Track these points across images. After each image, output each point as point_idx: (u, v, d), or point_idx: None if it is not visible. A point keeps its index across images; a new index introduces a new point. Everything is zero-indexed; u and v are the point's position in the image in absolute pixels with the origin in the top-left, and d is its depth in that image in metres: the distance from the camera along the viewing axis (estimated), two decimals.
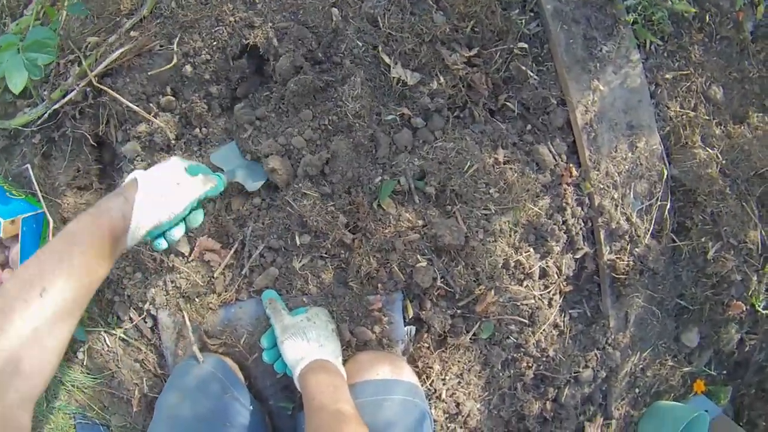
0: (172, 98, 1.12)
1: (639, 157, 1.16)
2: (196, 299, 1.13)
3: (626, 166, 1.15)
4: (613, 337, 1.17)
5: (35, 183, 1.08)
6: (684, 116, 1.18)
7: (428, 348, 1.14)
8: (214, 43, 1.07)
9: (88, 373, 1.25)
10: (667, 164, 1.17)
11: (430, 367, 1.14)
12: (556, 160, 1.13)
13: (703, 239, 1.15)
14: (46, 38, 0.94)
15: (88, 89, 1.05)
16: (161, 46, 1.06)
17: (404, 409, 0.92)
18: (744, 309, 1.14)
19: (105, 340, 1.23)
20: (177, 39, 1.05)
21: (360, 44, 1.05)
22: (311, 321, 0.99)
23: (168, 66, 1.05)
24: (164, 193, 0.83)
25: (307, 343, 0.94)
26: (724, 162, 1.17)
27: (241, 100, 1.13)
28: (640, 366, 1.20)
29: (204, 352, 1.10)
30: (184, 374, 1.02)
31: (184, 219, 0.89)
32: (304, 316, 1.00)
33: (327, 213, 1.03)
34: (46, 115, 1.06)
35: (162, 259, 1.14)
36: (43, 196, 1.14)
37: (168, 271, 1.15)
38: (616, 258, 1.14)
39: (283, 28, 1.05)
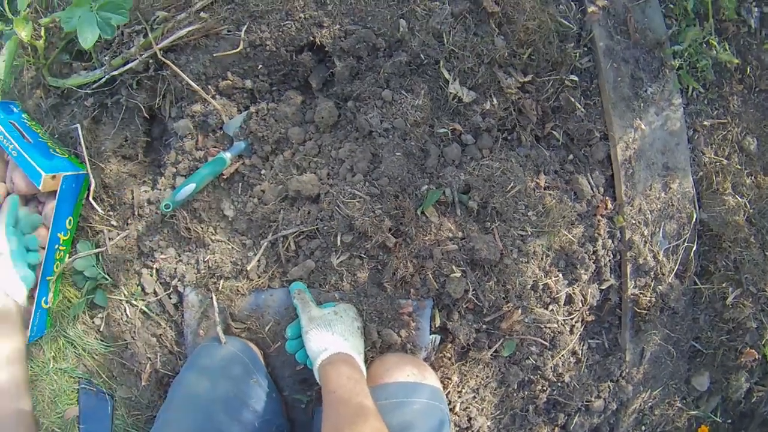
0: (231, 82, 1.09)
1: (671, 198, 1.14)
2: (228, 281, 1.08)
3: (658, 205, 1.13)
4: (627, 371, 1.14)
5: (82, 143, 1.05)
6: (717, 163, 1.17)
7: (449, 359, 1.10)
8: (281, 35, 1.04)
9: (102, 340, 1.19)
10: (697, 208, 1.16)
11: (449, 378, 1.10)
12: (593, 191, 1.12)
13: (723, 284, 1.13)
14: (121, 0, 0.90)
15: (150, 61, 1.02)
16: (228, 31, 1.04)
17: (427, 413, 0.89)
18: (756, 357, 1.11)
19: (125, 310, 1.18)
20: (245, 26, 1.03)
21: (423, 57, 1.03)
22: (338, 315, 0.95)
23: (233, 51, 1.03)
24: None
25: (331, 335, 0.91)
26: (751, 211, 1.16)
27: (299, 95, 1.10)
28: (649, 404, 1.17)
29: (227, 335, 1.06)
30: (207, 355, 0.98)
31: None
32: (332, 310, 0.97)
33: (374, 215, 0.99)
34: (102, 81, 1.03)
35: (198, 234, 1.10)
36: (87, 158, 1.09)
37: (203, 249, 1.11)
38: (640, 293, 1.12)
39: (351, 32, 1.03)
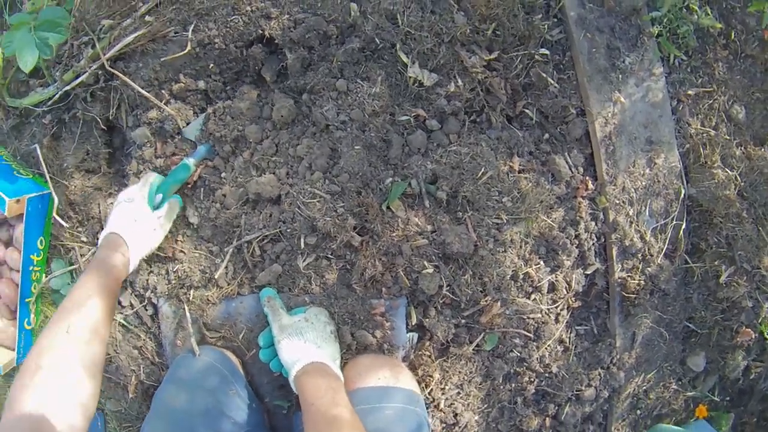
0: (183, 85, 1.04)
1: (657, 174, 1.07)
2: (197, 291, 1.05)
3: (643, 183, 1.06)
4: (618, 356, 1.09)
5: (43, 163, 1.02)
6: (705, 134, 1.09)
7: (429, 356, 1.06)
8: (229, 31, 0.99)
9: None
10: (685, 183, 1.09)
11: (430, 376, 1.06)
12: (572, 171, 1.05)
13: (716, 262, 1.06)
14: (58, 18, 0.87)
15: (100, 72, 0.99)
16: (176, 32, 0.99)
17: (403, 417, 0.85)
18: (753, 336, 1.05)
19: None
20: (192, 26, 0.98)
21: (377, 41, 0.97)
22: (309, 322, 0.92)
23: (182, 53, 0.98)
24: (148, 242, 0.96)
25: (304, 344, 0.88)
26: (742, 184, 1.08)
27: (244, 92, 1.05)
28: (644, 387, 1.12)
29: (204, 344, 1.03)
30: (183, 366, 0.96)
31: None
32: (302, 317, 0.93)
33: (336, 215, 0.95)
34: (57, 96, 1.00)
35: (166, 247, 1.07)
36: (50, 177, 1.07)
37: (171, 261, 1.08)
38: (628, 276, 1.06)
39: (301, 20, 0.97)
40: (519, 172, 1.04)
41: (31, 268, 1.05)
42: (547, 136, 1.08)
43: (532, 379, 1.07)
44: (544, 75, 1.03)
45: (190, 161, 1.04)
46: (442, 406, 1.08)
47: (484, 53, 1.00)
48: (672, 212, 1.08)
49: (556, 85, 1.05)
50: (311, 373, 0.83)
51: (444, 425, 1.08)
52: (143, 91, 0.99)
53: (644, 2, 1.06)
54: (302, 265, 1.00)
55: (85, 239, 1.13)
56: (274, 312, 0.94)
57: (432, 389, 1.07)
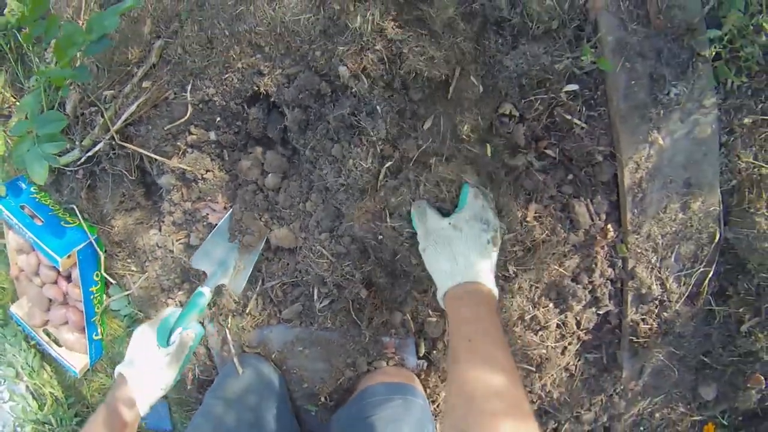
0: (196, 137, 1.04)
1: (690, 218, 0.97)
2: (234, 318, 1.18)
3: (673, 228, 0.97)
4: (622, 387, 1.11)
5: (81, 220, 1.10)
6: (756, 170, 0.94)
7: (437, 378, 1.15)
8: (226, 89, 0.95)
9: None
10: (722, 225, 0.98)
11: (437, 395, 1.16)
12: (592, 220, 0.98)
13: (741, 309, 1.00)
14: (54, 128, 0.87)
15: (113, 143, 1.00)
16: (175, 93, 0.96)
17: (410, 408, 0.97)
18: (764, 383, 1.02)
19: None
20: (189, 86, 0.94)
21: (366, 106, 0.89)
22: (458, 230, 0.76)
23: (183, 119, 0.96)
24: (155, 382, 0.92)
25: (451, 260, 0.75)
26: None
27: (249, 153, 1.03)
28: (648, 410, 1.15)
29: (245, 355, 1.17)
30: (228, 385, 1.10)
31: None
32: (452, 222, 0.78)
33: (343, 272, 0.98)
34: (82, 159, 1.04)
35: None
36: (94, 224, 1.17)
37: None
38: (641, 320, 1.03)
39: (293, 75, 0.91)
40: (535, 218, 0.99)
41: (91, 297, 1.21)
42: (570, 177, 0.99)
43: (533, 401, 1.14)
44: (569, 117, 0.91)
45: (206, 289, 1.03)
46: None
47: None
48: (702, 257, 0.99)
49: (584, 125, 0.93)
50: (458, 298, 0.73)
51: None
52: (155, 156, 1.01)
53: (702, 17, 0.85)
54: (318, 307, 1.08)
55: (134, 268, 1.26)
56: (420, 214, 0.82)
57: (438, 404, 1.18)
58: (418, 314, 1.03)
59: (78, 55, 0.94)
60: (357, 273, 1.00)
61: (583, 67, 0.89)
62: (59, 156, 1.03)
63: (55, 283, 1.20)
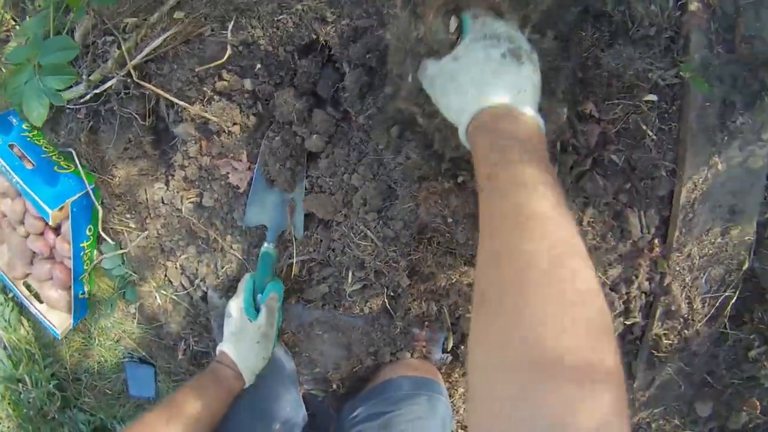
0: (227, 84, 0.92)
1: (727, 244, 1.00)
2: None
3: (711, 251, 1.00)
4: (632, 396, 1.14)
5: (79, 166, 0.94)
6: None
7: (458, 373, 1.11)
8: (276, 32, 0.84)
9: (139, 324, 1.24)
10: (751, 255, 1.02)
11: (455, 389, 1.13)
12: (642, 233, 0.98)
13: (752, 336, 1.05)
14: (62, 57, 0.71)
15: (128, 80, 0.85)
16: (213, 30, 0.83)
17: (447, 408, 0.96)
18: (759, 409, 1.09)
19: (156, 298, 1.20)
20: (232, 23, 0.82)
21: None
22: (458, 61, 0.58)
23: (218, 62, 0.84)
24: (256, 355, 0.94)
25: (461, 93, 0.57)
26: None
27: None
28: (647, 420, 1.19)
29: None
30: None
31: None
32: (450, 55, 0.59)
33: (388, 258, 0.91)
34: (88, 96, 0.88)
35: (215, 238, 1.06)
36: (92, 171, 1.00)
37: (221, 255, 1.07)
38: (663, 334, 1.05)
39: (362, 29, 0.81)
40: (587, 224, 0.97)
41: (82, 254, 1.05)
42: (628, 185, 0.98)
43: None
44: (644, 127, 0.90)
45: (270, 246, 0.99)
46: (461, 412, 1.17)
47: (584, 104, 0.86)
48: (728, 282, 1.03)
49: (654, 137, 0.92)
50: (482, 131, 0.54)
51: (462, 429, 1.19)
52: (176, 100, 0.88)
53: None
54: (348, 290, 1.00)
55: (133, 225, 1.11)
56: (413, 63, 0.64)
57: (455, 399, 1.15)
58: (457, 308, 0.98)
59: None
60: (403, 261, 0.93)
61: (666, 79, 0.89)
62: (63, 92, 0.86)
63: (42, 234, 1.02)
